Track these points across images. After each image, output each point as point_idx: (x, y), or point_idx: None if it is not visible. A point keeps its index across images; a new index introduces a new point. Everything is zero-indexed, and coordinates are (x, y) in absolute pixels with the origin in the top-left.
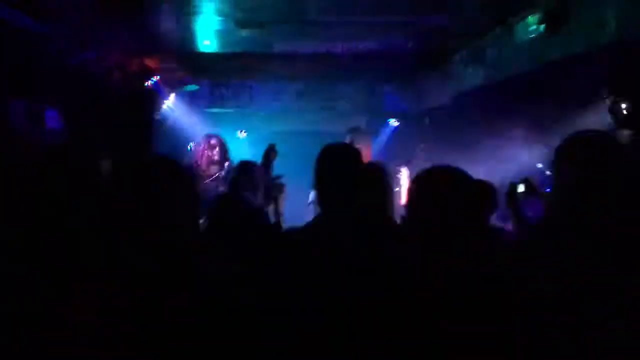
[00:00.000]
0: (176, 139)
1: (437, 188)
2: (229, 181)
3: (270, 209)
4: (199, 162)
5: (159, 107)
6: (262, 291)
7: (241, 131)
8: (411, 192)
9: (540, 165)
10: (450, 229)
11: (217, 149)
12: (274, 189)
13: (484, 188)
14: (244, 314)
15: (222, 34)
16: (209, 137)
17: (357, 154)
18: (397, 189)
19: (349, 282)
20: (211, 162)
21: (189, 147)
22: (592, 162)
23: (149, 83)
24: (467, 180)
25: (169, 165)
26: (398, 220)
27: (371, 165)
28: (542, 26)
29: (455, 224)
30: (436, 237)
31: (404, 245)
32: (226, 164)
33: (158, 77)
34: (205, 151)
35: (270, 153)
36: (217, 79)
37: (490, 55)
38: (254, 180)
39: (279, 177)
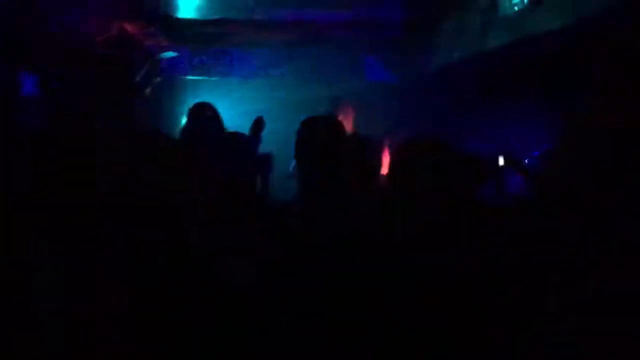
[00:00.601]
0: (156, 106)
1: (421, 157)
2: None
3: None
4: None
5: (139, 73)
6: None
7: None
8: (394, 162)
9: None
10: (433, 200)
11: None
12: (261, 158)
13: (470, 158)
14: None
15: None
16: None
17: (338, 124)
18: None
19: (333, 257)
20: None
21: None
22: None
23: (128, 48)
24: (451, 150)
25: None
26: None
27: (353, 136)
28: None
29: (440, 193)
30: (418, 209)
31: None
32: None
33: (138, 42)
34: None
35: (258, 125)
36: (197, 46)
37: (474, 27)
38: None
39: (267, 155)
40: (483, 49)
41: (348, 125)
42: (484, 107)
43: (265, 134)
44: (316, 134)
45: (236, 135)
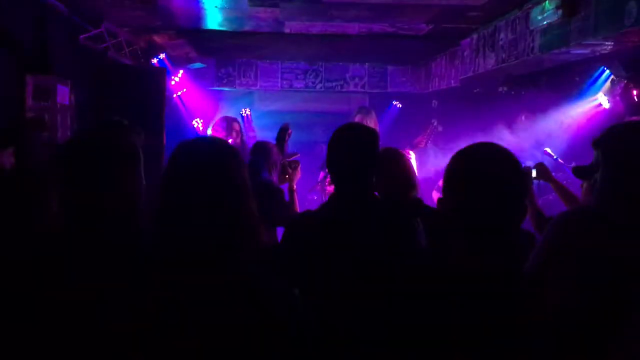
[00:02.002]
0: (182, 116)
1: (492, 167)
2: (249, 163)
3: (286, 186)
4: None
5: (167, 84)
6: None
7: (245, 110)
8: (457, 170)
9: (548, 150)
10: (502, 215)
11: (237, 133)
12: (290, 166)
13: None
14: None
15: (232, 12)
16: (229, 121)
17: (376, 134)
18: None
19: (369, 270)
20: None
21: (194, 124)
22: None
23: (155, 60)
24: (516, 160)
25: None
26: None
27: (387, 149)
28: (560, 11)
29: (507, 207)
30: (485, 224)
31: (437, 230)
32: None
33: (164, 54)
34: (225, 134)
35: (284, 133)
36: (223, 57)
37: (504, 39)
38: (270, 160)
39: (294, 154)
40: (510, 60)
41: None
42: (509, 117)
43: (290, 143)
44: (353, 143)
45: (265, 145)
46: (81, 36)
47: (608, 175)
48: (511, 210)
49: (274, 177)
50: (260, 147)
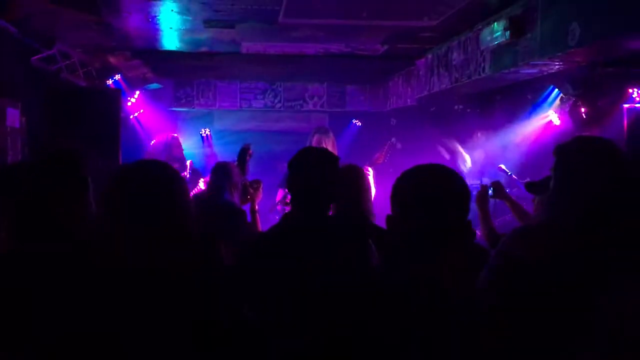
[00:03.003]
0: (140, 137)
1: (438, 186)
2: (210, 184)
3: (248, 207)
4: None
5: (122, 105)
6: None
7: (205, 130)
8: (405, 189)
9: (502, 166)
10: (445, 230)
11: (178, 147)
12: (251, 186)
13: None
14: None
15: (188, 33)
16: (168, 136)
17: (335, 158)
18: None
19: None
20: (172, 159)
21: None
22: (600, 166)
23: (110, 81)
24: (461, 179)
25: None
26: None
27: (350, 167)
28: (508, 32)
29: (450, 225)
30: (429, 238)
31: (387, 247)
32: (187, 162)
33: (120, 75)
34: (165, 150)
35: (245, 153)
36: (181, 78)
37: (457, 59)
38: (232, 181)
39: (255, 179)
40: (463, 79)
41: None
42: (464, 134)
43: (251, 162)
44: (312, 164)
45: (227, 165)
46: (33, 57)
47: (562, 186)
48: (456, 228)
49: (236, 198)
50: (221, 167)
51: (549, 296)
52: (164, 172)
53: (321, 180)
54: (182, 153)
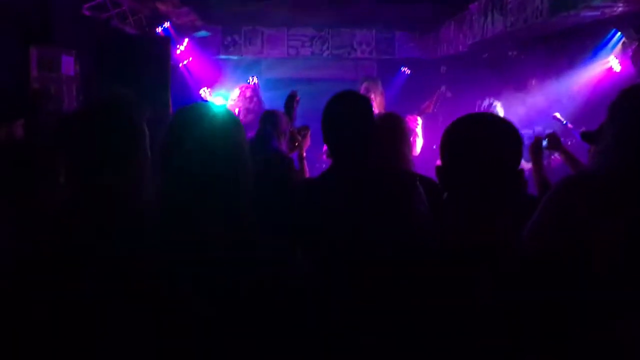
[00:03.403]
0: (189, 86)
1: (491, 135)
2: (258, 132)
3: (296, 154)
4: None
5: (172, 53)
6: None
7: (252, 78)
8: (451, 140)
9: (557, 115)
10: (497, 182)
11: (254, 98)
12: (299, 133)
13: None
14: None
15: None
16: (243, 88)
17: (367, 101)
18: (412, 139)
19: (360, 237)
20: (248, 111)
21: (202, 93)
22: None
23: (160, 29)
24: (515, 130)
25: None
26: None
27: (386, 115)
28: None
29: (503, 177)
30: (482, 191)
31: (432, 198)
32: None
33: (169, 23)
34: (241, 102)
35: (292, 100)
36: (229, 25)
37: (512, 2)
38: (279, 128)
39: (302, 126)
40: (519, 24)
41: (381, 105)
42: (519, 81)
43: (298, 111)
44: (345, 110)
45: (273, 113)
46: (84, 5)
47: (614, 137)
48: (506, 178)
49: (283, 146)
50: (269, 115)
51: (597, 244)
52: (223, 118)
53: (352, 130)
54: (259, 104)
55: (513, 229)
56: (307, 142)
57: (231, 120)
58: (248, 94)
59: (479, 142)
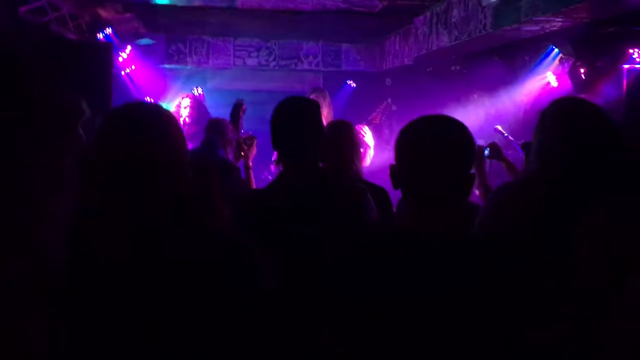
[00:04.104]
0: (131, 95)
1: (439, 139)
2: (204, 141)
3: (241, 163)
4: None
5: (114, 60)
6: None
7: (197, 89)
8: (405, 141)
9: (499, 127)
10: (447, 186)
11: (198, 108)
12: (245, 143)
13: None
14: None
15: None
16: (185, 98)
17: (316, 105)
18: (361, 149)
19: (308, 242)
20: (192, 120)
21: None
22: (581, 126)
23: (101, 35)
24: (466, 131)
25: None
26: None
27: (337, 122)
28: None
29: (452, 179)
30: (430, 194)
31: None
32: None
33: (111, 29)
34: (184, 112)
35: (238, 109)
36: (174, 34)
37: (456, 17)
38: (225, 137)
39: (249, 135)
40: (462, 37)
41: (329, 117)
42: (461, 93)
43: (244, 121)
44: (294, 113)
45: (219, 121)
46: (20, 8)
47: (544, 141)
48: (456, 182)
49: (230, 155)
50: (214, 123)
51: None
52: (157, 115)
53: (302, 132)
54: (197, 115)
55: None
56: (254, 151)
57: (165, 118)
58: (190, 103)
59: (434, 140)
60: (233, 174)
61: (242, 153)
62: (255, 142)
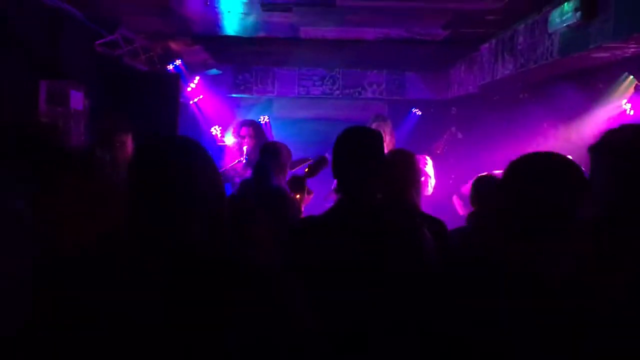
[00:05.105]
0: (199, 123)
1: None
2: (255, 166)
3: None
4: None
5: (182, 90)
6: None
7: (264, 117)
8: (514, 178)
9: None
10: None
11: (248, 138)
12: (307, 191)
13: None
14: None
15: (246, 17)
16: (239, 125)
17: (379, 136)
18: (422, 178)
19: (361, 273)
20: (250, 147)
21: (212, 131)
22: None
23: (171, 66)
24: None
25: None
26: (421, 208)
27: (396, 151)
28: (579, 13)
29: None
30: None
31: (439, 235)
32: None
33: (180, 60)
34: (241, 139)
35: (321, 164)
36: (241, 64)
37: (522, 44)
38: (279, 162)
39: (306, 159)
40: (530, 65)
41: (391, 145)
42: (529, 123)
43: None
44: (356, 142)
45: (272, 144)
46: (96, 42)
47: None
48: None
49: (282, 181)
50: (269, 148)
51: None
52: (181, 148)
53: (362, 163)
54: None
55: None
56: (307, 200)
57: (192, 152)
58: (250, 132)
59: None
60: (285, 202)
61: (298, 195)
62: (312, 194)
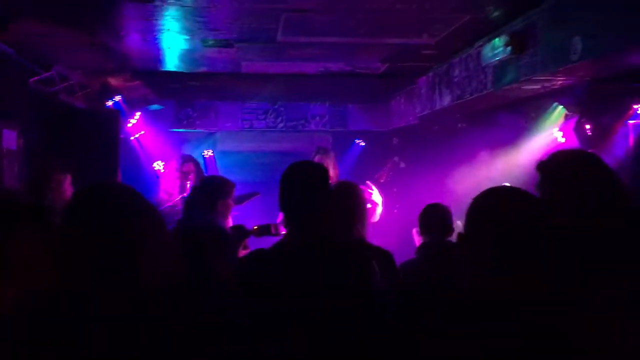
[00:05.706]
0: (140, 159)
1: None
2: (185, 199)
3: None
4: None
5: (123, 127)
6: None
7: (207, 151)
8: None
9: (507, 185)
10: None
11: (191, 175)
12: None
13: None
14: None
15: (187, 52)
16: (182, 162)
17: (324, 170)
18: (369, 206)
19: (311, 304)
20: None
21: (155, 166)
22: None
23: (110, 102)
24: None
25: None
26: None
27: (341, 183)
28: (509, 48)
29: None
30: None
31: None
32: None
33: (120, 96)
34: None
35: (250, 197)
36: (183, 99)
37: (458, 76)
38: (211, 195)
39: (254, 193)
40: (465, 96)
41: (335, 176)
42: (467, 152)
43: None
44: (301, 178)
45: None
46: (30, 79)
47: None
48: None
49: (218, 217)
50: (202, 183)
51: None
52: (120, 197)
53: (308, 197)
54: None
55: None
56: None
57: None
58: (192, 167)
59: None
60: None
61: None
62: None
